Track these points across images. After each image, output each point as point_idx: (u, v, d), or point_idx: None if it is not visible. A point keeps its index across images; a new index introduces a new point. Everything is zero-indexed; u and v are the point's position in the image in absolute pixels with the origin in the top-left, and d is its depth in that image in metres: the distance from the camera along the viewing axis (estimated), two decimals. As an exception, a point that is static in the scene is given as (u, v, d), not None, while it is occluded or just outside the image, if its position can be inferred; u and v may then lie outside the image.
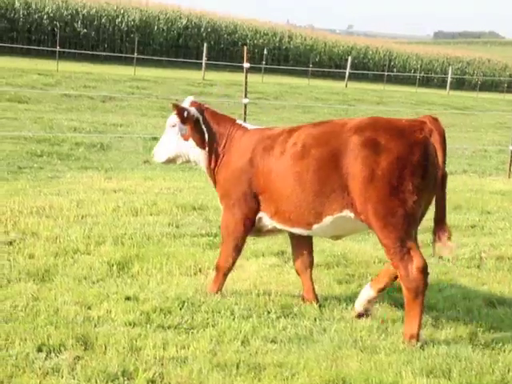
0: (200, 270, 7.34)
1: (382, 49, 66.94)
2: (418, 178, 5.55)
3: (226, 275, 6.50)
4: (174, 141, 6.62)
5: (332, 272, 7.63)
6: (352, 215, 5.78)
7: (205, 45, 42.09)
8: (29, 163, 13.20)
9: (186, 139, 6.56)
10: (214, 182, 6.64)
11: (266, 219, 6.29)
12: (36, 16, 47.18)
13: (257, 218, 6.31)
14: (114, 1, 52.71)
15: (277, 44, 59.58)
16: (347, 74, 48.10)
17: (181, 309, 6.07)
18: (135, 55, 38.73)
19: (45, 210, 9.16)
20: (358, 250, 8.54)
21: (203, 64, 40.05)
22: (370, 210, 5.60)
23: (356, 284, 7.21)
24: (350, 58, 50.92)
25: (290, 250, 7.20)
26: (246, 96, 14.17)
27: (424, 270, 5.56)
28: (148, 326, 5.69)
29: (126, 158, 14.53)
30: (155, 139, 17.83)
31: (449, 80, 55.80)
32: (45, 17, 47.43)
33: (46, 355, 5.05)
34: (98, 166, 13.59)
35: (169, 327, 5.71)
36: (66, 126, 18.47)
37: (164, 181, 12.30)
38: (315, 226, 6.01)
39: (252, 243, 8.11)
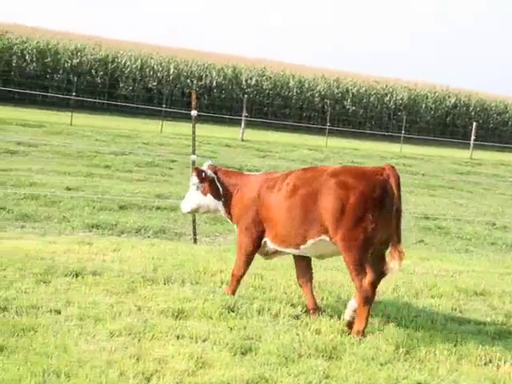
0: (490, 361, 6.94)
1: None
2: (378, 210, 6.98)
3: (238, 281, 8.02)
4: (195, 196, 8.25)
5: None
6: (328, 239, 7.22)
7: (473, 124, 41.31)
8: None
9: (205, 194, 8.14)
10: (232, 219, 8.20)
11: (269, 243, 7.77)
12: (308, 94, 49.28)
13: (263, 242, 7.80)
14: (382, 80, 53.80)
15: (551, 125, 57.12)
16: None
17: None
18: (402, 133, 38.89)
19: (326, 284, 9.23)
20: None
21: (471, 143, 39.27)
22: (339, 235, 7.05)
23: None
24: None
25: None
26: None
27: (373, 284, 7.05)
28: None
29: (400, 236, 14.41)
30: (427, 218, 17.75)
31: None
32: (316, 95, 49.45)
33: None
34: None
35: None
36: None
37: (441, 262, 12.03)
38: (302, 247, 7.47)
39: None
